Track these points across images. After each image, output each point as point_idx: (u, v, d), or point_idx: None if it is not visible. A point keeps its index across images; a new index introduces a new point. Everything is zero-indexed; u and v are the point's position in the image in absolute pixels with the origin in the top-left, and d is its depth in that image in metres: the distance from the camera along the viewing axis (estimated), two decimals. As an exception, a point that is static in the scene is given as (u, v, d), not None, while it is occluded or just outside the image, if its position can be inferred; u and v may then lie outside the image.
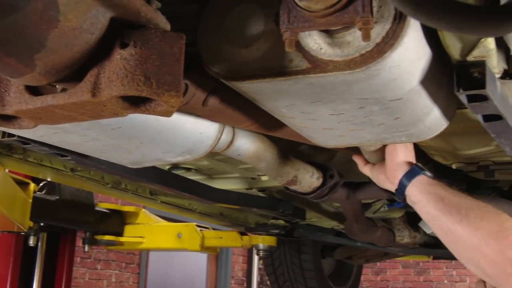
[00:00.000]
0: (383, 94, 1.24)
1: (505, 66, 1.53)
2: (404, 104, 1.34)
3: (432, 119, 1.53)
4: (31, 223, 3.35)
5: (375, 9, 1.01)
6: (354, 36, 1.02)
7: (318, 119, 1.42)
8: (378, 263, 11.53)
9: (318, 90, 1.18)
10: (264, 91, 1.23)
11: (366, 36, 0.94)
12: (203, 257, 9.63)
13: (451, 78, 1.34)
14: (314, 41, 1.07)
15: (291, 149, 2.24)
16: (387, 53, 1.03)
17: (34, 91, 0.97)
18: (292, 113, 1.38)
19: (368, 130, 1.52)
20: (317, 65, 1.07)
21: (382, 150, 1.81)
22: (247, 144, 1.75)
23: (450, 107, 1.58)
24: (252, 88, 1.22)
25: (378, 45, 1.01)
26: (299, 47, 1.09)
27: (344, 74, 1.07)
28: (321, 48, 1.06)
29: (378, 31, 1.02)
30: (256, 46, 1.15)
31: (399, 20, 1.02)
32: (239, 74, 1.18)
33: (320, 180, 2.27)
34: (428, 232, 4.00)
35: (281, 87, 1.18)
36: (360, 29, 0.95)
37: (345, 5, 0.95)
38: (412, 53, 1.14)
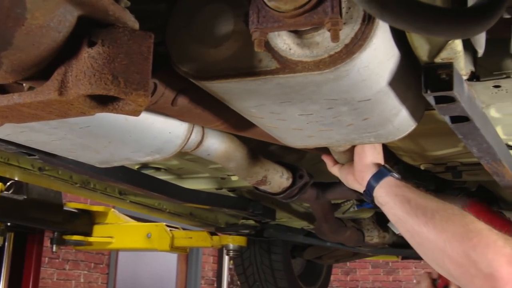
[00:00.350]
0: (352, 95, 1.23)
1: (472, 68, 1.55)
2: (372, 105, 1.34)
3: (400, 120, 1.53)
4: (-2, 223, 3.31)
5: (344, 10, 1.01)
6: (323, 37, 1.02)
7: (287, 119, 1.41)
8: (348, 263, 11.59)
9: (287, 90, 1.18)
10: (233, 91, 1.23)
11: (335, 37, 0.94)
12: (173, 257, 9.60)
13: (419, 79, 1.35)
14: (284, 42, 1.07)
15: (261, 149, 2.25)
16: (356, 54, 1.03)
17: (0, 89, 0.96)
18: (262, 113, 1.37)
19: (337, 130, 1.51)
20: (286, 65, 1.07)
21: (351, 151, 1.81)
22: (216, 144, 1.74)
23: (418, 108, 1.59)
24: (221, 88, 1.22)
25: (347, 46, 1.01)
26: (269, 48, 1.09)
27: (313, 74, 1.07)
28: (290, 49, 1.05)
29: (347, 32, 1.02)
30: (225, 46, 1.15)
31: (368, 21, 1.02)
32: (209, 74, 1.18)
33: (290, 181, 2.27)
34: (397, 232, 4.03)
35: (250, 87, 1.18)
36: (329, 30, 0.95)
37: (314, 6, 0.95)
38: (380, 54, 1.14)
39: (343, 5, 1.01)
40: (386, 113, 1.43)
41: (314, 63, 1.04)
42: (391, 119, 1.50)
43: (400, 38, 1.25)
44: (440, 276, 2.25)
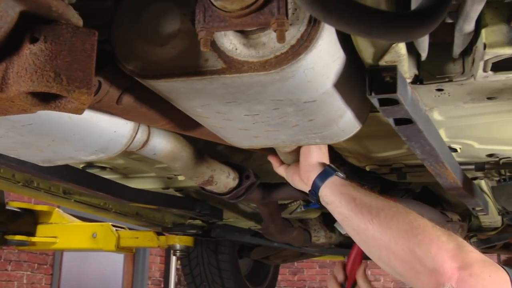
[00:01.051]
0: (298, 96, 1.24)
1: (416, 72, 1.57)
2: (318, 106, 1.34)
3: (345, 122, 1.54)
4: None
5: (290, 12, 1.01)
6: (269, 38, 1.02)
7: (233, 119, 1.41)
8: (295, 263, 11.67)
9: (233, 90, 1.18)
10: (179, 90, 1.22)
11: (281, 38, 0.95)
12: (119, 258, 9.52)
13: (364, 82, 1.36)
14: (230, 41, 1.07)
15: (209, 149, 2.24)
16: (302, 55, 1.03)
17: None
18: (207, 113, 1.37)
19: (283, 131, 1.51)
20: (232, 65, 1.06)
21: (297, 151, 1.82)
22: (162, 143, 1.74)
23: (363, 111, 1.61)
24: (167, 87, 1.21)
25: (292, 47, 1.01)
26: (215, 47, 1.08)
27: (259, 75, 1.06)
28: (236, 49, 1.05)
29: (293, 33, 1.02)
30: (171, 45, 1.14)
31: (314, 23, 1.02)
32: (154, 72, 1.16)
33: (236, 181, 2.28)
34: (343, 232, 4.07)
35: (196, 87, 1.17)
36: (275, 31, 0.96)
37: (261, 6, 0.95)
38: (326, 56, 1.14)
39: (290, 6, 1.01)
40: (332, 114, 1.44)
41: (260, 64, 1.03)
42: (336, 120, 1.50)
43: (346, 41, 1.26)
44: (346, 278, 2.31)
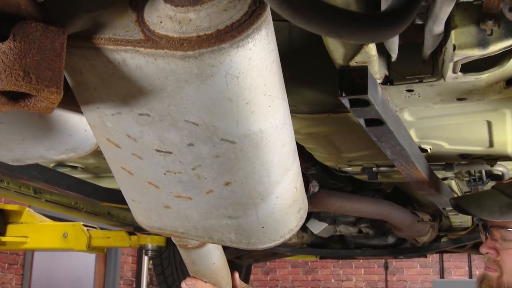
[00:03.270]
0: (215, 121, 1.01)
1: (386, 72, 1.58)
2: (236, 157, 1.09)
3: (266, 211, 1.25)
4: None
5: None
6: (197, 15, 0.89)
7: (144, 157, 1.17)
8: (267, 263, 11.71)
9: (146, 86, 0.98)
10: (95, 66, 0.99)
11: None
12: (91, 258, 9.46)
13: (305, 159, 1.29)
14: (157, 15, 0.93)
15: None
16: (226, 45, 0.87)
17: None
18: (118, 134, 1.14)
19: (196, 201, 1.24)
20: (150, 38, 0.92)
21: (202, 255, 1.67)
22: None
23: (301, 206, 1.39)
24: (86, 59, 0.99)
25: (219, 31, 0.87)
26: (141, 21, 0.94)
27: (175, 57, 0.90)
28: (161, 22, 0.91)
29: (224, 19, 0.88)
30: (98, 12, 0.98)
31: (251, 17, 0.89)
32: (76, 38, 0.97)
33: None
34: (315, 232, 4.10)
35: (109, 67, 0.97)
36: None
37: None
38: (257, 74, 0.95)
39: None
40: (252, 183, 1.16)
41: (179, 40, 0.89)
42: (256, 202, 1.21)
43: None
44: None
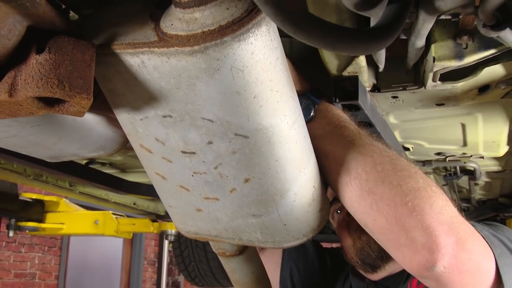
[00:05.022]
0: (228, 116, 0.97)
1: (374, 81, 1.57)
2: (251, 152, 1.04)
3: (287, 208, 1.18)
4: (-43, 211, 3.20)
5: None
6: (202, 14, 0.86)
7: (173, 160, 1.12)
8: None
9: (164, 85, 0.95)
10: (119, 72, 0.97)
11: None
12: (119, 241, 9.48)
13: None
14: (169, 19, 0.90)
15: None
16: (228, 38, 0.84)
17: (-46, 90, 0.91)
18: (148, 138, 1.10)
19: (223, 202, 1.18)
20: (163, 39, 0.89)
21: (243, 262, 1.55)
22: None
23: (324, 202, 1.28)
24: (110, 65, 0.97)
25: (221, 26, 0.84)
26: (157, 27, 0.92)
27: (184, 53, 0.87)
28: (172, 24, 0.89)
29: (225, 16, 0.85)
30: (122, 25, 0.97)
31: (250, 14, 0.85)
32: (102, 46, 0.96)
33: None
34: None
35: (132, 70, 0.95)
36: None
37: None
38: (260, 68, 0.90)
39: None
40: (270, 179, 1.10)
41: (187, 37, 0.86)
42: (276, 199, 1.14)
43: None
44: None
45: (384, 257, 1.84)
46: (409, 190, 1.12)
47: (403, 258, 1.14)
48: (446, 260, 1.09)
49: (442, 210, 1.12)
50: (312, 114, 1.27)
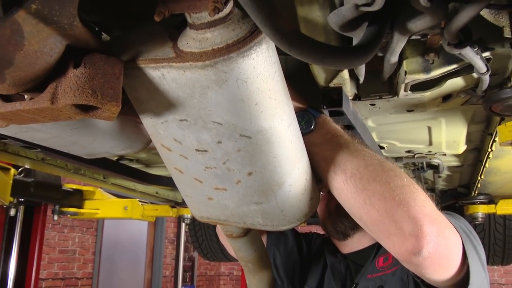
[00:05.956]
0: (234, 119, 0.95)
1: (356, 91, 1.56)
2: (253, 149, 1.02)
3: (283, 196, 1.16)
4: (11, 199, 3.20)
5: (236, 18, 0.85)
6: (212, 34, 0.85)
7: (189, 157, 1.10)
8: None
9: (181, 94, 0.94)
10: (143, 82, 0.95)
11: (212, 10, 0.79)
12: (144, 224, 9.48)
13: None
14: (185, 39, 0.89)
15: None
16: (234, 54, 0.83)
17: (6, 98, 0.90)
18: (167, 138, 1.08)
19: (230, 192, 1.16)
20: (179, 55, 0.88)
21: (247, 241, 1.53)
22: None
23: (313, 192, 1.24)
24: (136, 76, 0.95)
25: (228, 45, 0.83)
26: (175, 46, 0.90)
27: (197, 67, 0.86)
28: (187, 43, 0.88)
29: (232, 36, 0.84)
30: (145, 44, 0.94)
31: (252, 34, 0.85)
32: (129, 61, 0.95)
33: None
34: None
35: (154, 82, 0.94)
36: (210, 11, 0.80)
37: None
38: (261, 80, 0.89)
39: (236, 13, 0.85)
40: (269, 171, 1.08)
41: (199, 54, 0.85)
42: (274, 189, 1.13)
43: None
44: None
45: (354, 228, 1.86)
46: (396, 187, 1.10)
47: (393, 246, 1.11)
48: (431, 246, 1.07)
49: (424, 203, 1.10)
50: (313, 126, 1.25)
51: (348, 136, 1.24)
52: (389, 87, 1.58)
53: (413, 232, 1.07)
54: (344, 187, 1.15)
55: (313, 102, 1.33)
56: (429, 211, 1.09)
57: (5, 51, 0.73)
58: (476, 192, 3.63)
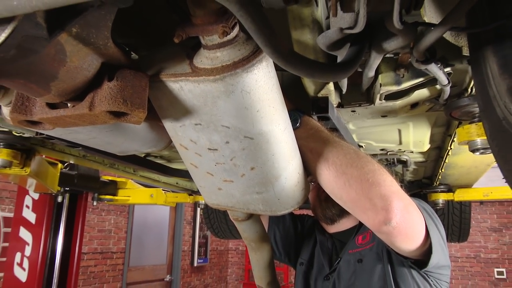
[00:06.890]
0: (239, 124, 0.94)
1: (339, 100, 1.55)
2: (255, 148, 1.00)
3: (280, 187, 1.13)
4: (59, 188, 3.19)
5: (241, 40, 0.83)
6: (222, 53, 0.84)
7: (202, 154, 1.08)
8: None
9: (195, 103, 0.92)
10: (165, 93, 0.94)
11: (222, 33, 0.78)
12: (167, 209, 9.48)
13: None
14: (200, 58, 0.88)
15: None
16: (239, 70, 0.82)
17: (52, 105, 0.89)
18: (185, 139, 1.06)
19: (236, 183, 1.14)
20: (194, 71, 0.87)
21: (251, 223, 1.46)
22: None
23: (304, 185, 1.20)
24: (159, 88, 0.93)
25: (234, 63, 0.82)
26: (192, 64, 0.89)
27: (209, 80, 0.85)
28: (201, 61, 0.86)
29: (238, 55, 0.83)
30: (167, 62, 0.93)
31: (254, 54, 0.83)
32: (153, 75, 0.94)
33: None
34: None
35: (174, 92, 0.92)
36: (220, 34, 0.79)
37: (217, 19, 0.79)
38: (262, 91, 0.87)
39: (240, 36, 0.83)
40: (267, 167, 1.06)
41: (211, 69, 0.84)
42: (272, 181, 1.10)
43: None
44: None
45: (340, 215, 1.85)
46: (369, 171, 1.11)
47: (368, 219, 1.13)
48: (398, 217, 1.09)
49: (391, 183, 1.11)
50: (298, 123, 1.25)
51: (328, 131, 1.24)
52: (367, 97, 1.57)
53: (384, 207, 1.08)
54: (327, 172, 1.15)
55: (304, 109, 1.32)
56: (396, 190, 1.10)
57: (51, 67, 0.72)
58: (438, 183, 3.62)
